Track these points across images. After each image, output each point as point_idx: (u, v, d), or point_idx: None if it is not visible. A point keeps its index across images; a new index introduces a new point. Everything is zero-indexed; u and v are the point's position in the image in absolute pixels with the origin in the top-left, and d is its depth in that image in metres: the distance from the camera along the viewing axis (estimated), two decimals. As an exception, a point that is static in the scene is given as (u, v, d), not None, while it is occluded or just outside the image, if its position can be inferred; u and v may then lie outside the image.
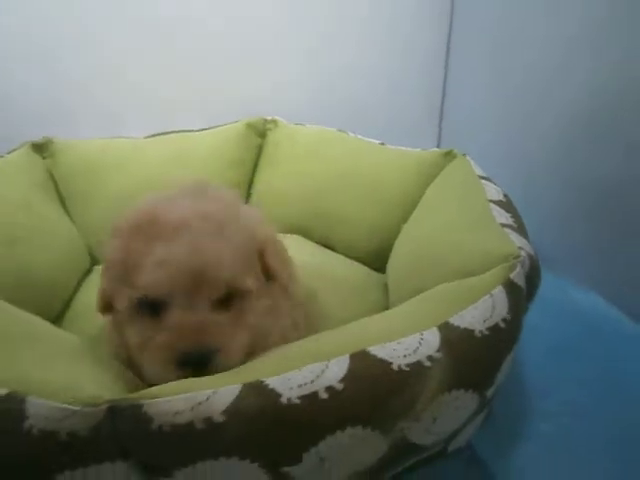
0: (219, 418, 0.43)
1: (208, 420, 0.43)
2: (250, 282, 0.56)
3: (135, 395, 0.43)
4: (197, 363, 0.52)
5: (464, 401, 0.53)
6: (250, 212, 0.64)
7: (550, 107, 1.22)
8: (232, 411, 0.43)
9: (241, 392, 0.45)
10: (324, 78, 1.49)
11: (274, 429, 0.44)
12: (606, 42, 1.05)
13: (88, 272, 1.02)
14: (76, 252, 0.98)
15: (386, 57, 1.52)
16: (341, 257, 1.10)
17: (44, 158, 1.03)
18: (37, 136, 1.05)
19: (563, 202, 1.23)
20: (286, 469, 0.46)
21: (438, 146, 1.60)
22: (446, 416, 0.53)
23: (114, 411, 0.42)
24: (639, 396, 0.84)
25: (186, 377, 0.49)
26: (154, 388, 0.45)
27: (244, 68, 1.41)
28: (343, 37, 1.47)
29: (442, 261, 0.73)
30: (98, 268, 1.03)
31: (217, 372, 0.50)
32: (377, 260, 1.06)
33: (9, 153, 0.97)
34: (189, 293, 0.53)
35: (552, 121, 1.21)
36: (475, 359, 0.53)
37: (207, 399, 0.44)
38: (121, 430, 0.42)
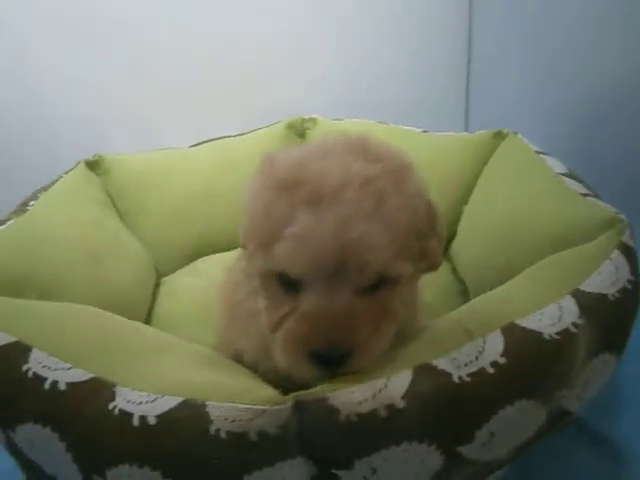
0: (400, 403, 0.43)
1: (390, 406, 0.43)
2: (405, 268, 0.46)
3: (317, 389, 0.43)
4: (330, 362, 0.45)
5: (608, 363, 0.54)
6: (418, 180, 0.51)
7: (576, 91, 1.22)
8: (411, 395, 0.44)
9: (415, 375, 0.45)
10: (349, 74, 1.49)
11: (450, 409, 0.45)
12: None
13: (156, 285, 1.01)
14: (146, 266, 0.98)
15: (409, 50, 1.53)
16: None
17: (98, 175, 1.02)
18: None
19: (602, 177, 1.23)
20: (460, 448, 0.46)
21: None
22: (595, 380, 0.53)
23: (301, 406, 0.42)
24: None
25: (315, 372, 0.45)
26: (330, 384, 0.45)
27: (274, 70, 1.41)
28: (365, 30, 1.47)
29: (535, 232, 0.73)
30: (165, 280, 1.03)
31: (351, 372, 0.45)
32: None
33: (66, 173, 0.96)
34: (330, 277, 0.44)
35: (578, 106, 1.21)
36: (613, 321, 0.54)
37: (385, 386, 0.44)
38: (308, 425, 0.42)
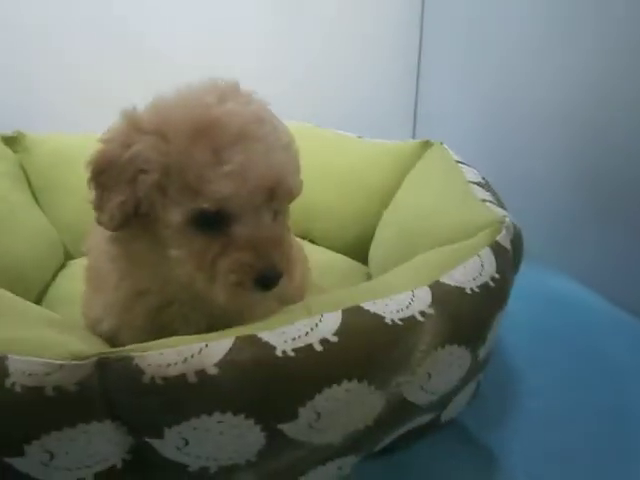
0: (212, 370, 0.42)
1: (201, 372, 0.41)
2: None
3: (125, 348, 0.42)
4: (272, 283, 0.48)
5: (458, 357, 0.53)
6: None
7: (521, 97, 1.24)
8: (226, 363, 0.42)
9: (234, 344, 0.43)
10: (298, 74, 1.50)
11: (269, 382, 0.43)
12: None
13: (62, 267, 0.98)
14: (50, 245, 0.95)
15: (358, 52, 1.54)
16: (322, 249, 1.09)
17: (15, 152, 1.00)
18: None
19: (540, 190, 1.25)
20: (282, 426, 0.44)
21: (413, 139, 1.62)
22: (441, 372, 0.53)
23: (103, 364, 0.41)
24: (621, 371, 0.85)
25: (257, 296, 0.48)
26: (143, 344, 0.43)
27: (216, 64, 1.40)
28: (315, 32, 1.48)
29: (428, 233, 0.73)
30: (73, 262, 1.01)
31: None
32: (358, 251, 1.06)
33: (-21, 144, 0.94)
34: (260, 205, 0.48)
35: (526, 110, 1.23)
36: (467, 315, 0.53)
37: (200, 351, 0.42)
38: (111, 384, 0.41)
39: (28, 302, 0.62)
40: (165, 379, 0.41)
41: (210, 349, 0.43)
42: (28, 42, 1.24)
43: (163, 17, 1.35)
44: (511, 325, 0.86)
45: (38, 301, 0.85)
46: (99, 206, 0.50)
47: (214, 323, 0.51)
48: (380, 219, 1.02)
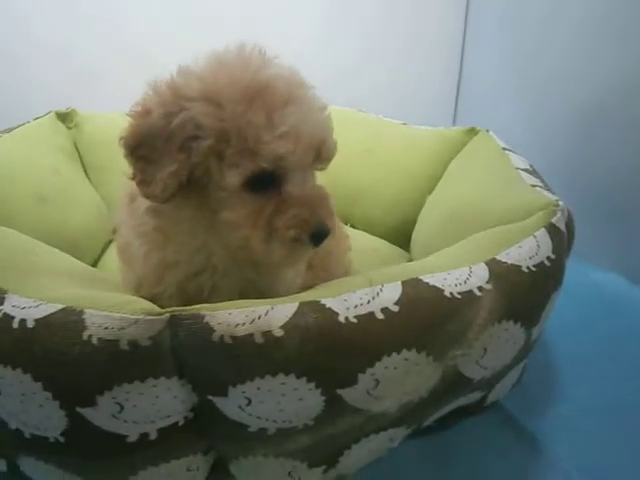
0: (278, 332, 0.43)
1: (267, 334, 0.43)
2: None
3: (196, 307, 0.43)
4: (322, 239, 0.50)
5: (512, 334, 0.53)
6: None
7: (564, 85, 1.23)
8: (291, 325, 0.43)
9: (299, 308, 0.44)
10: (341, 60, 1.50)
11: (332, 347, 0.44)
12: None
13: (109, 242, 1.01)
14: (100, 219, 0.98)
15: (401, 39, 1.54)
16: (363, 233, 1.10)
17: (69, 128, 1.02)
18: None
19: (581, 180, 1.23)
20: (341, 391, 0.45)
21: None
22: (496, 348, 0.53)
23: (175, 321, 0.42)
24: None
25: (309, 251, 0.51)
26: (214, 304, 0.44)
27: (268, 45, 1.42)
28: (359, 20, 1.49)
29: (478, 218, 0.73)
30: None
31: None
32: (400, 236, 1.06)
33: (35, 119, 0.97)
34: (308, 164, 0.51)
35: (567, 98, 1.22)
36: (523, 293, 0.54)
37: (266, 313, 0.44)
38: (181, 341, 0.42)
39: (90, 267, 0.63)
40: (234, 338, 0.42)
41: (276, 312, 0.44)
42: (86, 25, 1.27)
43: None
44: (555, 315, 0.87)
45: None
46: (144, 180, 0.50)
47: (245, 293, 0.52)
48: (423, 205, 1.02)
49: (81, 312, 0.42)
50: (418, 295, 0.48)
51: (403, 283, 0.49)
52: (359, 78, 1.52)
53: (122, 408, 0.43)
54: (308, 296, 0.47)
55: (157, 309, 0.42)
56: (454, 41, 1.56)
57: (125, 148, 0.50)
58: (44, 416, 0.43)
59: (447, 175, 1.00)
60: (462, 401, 0.59)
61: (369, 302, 0.46)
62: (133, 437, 0.45)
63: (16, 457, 0.49)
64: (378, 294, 0.47)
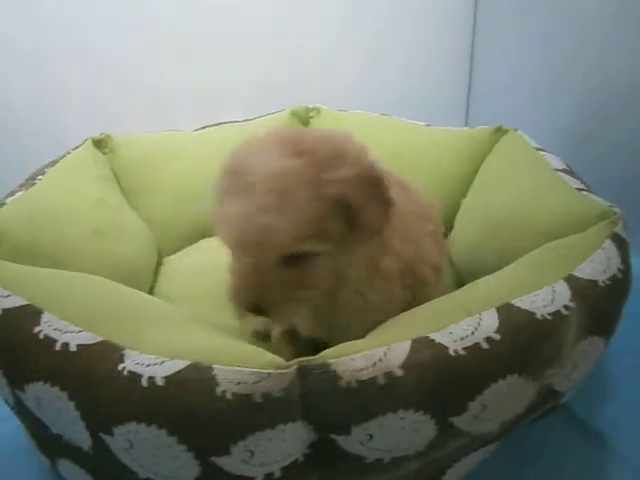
0: (398, 372, 0.45)
1: (389, 374, 0.45)
2: (316, 245, 0.54)
3: (320, 355, 0.45)
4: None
5: (597, 347, 0.56)
6: (354, 162, 0.56)
7: (577, 83, 1.24)
8: (409, 364, 0.46)
9: (412, 347, 0.47)
10: (350, 66, 1.52)
11: (445, 380, 0.47)
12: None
13: (158, 265, 1.02)
14: (148, 244, 0.99)
15: (410, 38, 1.55)
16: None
17: (104, 154, 1.03)
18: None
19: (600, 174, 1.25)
20: (452, 419, 0.48)
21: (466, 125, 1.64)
22: (583, 362, 0.56)
23: (304, 371, 0.44)
24: None
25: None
26: (331, 349, 0.47)
27: (280, 58, 1.43)
28: (364, 17, 1.50)
29: (531, 223, 0.75)
30: (167, 260, 1.05)
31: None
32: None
33: (73, 150, 0.97)
34: (242, 252, 0.55)
35: (580, 94, 1.24)
36: (602, 306, 0.57)
37: (385, 355, 0.46)
38: (311, 389, 0.44)
39: (174, 306, 0.65)
40: (359, 382, 0.44)
41: (393, 352, 0.46)
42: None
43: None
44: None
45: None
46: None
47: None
48: (458, 208, 1.04)
49: (210, 368, 0.45)
50: (514, 321, 0.51)
51: (498, 310, 0.51)
52: (368, 76, 1.54)
53: (253, 454, 0.45)
54: (414, 330, 0.49)
55: (284, 362, 0.44)
56: (464, 36, 1.57)
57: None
58: (178, 466, 0.46)
59: (481, 178, 1.02)
60: (550, 405, 0.62)
61: (473, 333, 0.49)
62: (260, 477, 0.47)
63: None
64: (479, 324, 0.50)
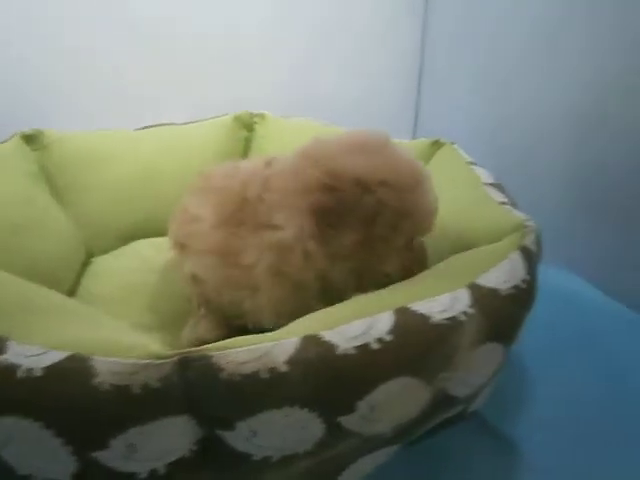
0: (283, 367, 0.45)
1: (273, 370, 0.45)
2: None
3: (204, 347, 0.45)
4: None
5: (494, 353, 0.57)
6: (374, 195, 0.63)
7: (524, 98, 1.28)
8: (294, 361, 0.45)
9: (301, 343, 0.47)
10: (302, 74, 1.54)
11: (333, 378, 0.47)
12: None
13: (84, 265, 1.00)
14: (74, 244, 0.97)
15: (360, 53, 1.58)
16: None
17: (34, 150, 1.01)
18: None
19: (540, 190, 1.29)
20: (340, 418, 0.48)
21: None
22: (480, 367, 0.56)
23: (185, 362, 0.44)
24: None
25: None
26: (218, 343, 0.46)
27: (228, 67, 1.43)
28: (314, 29, 1.52)
29: (451, 234, 0.76)
30: (95, 260, 1.03)
31: None
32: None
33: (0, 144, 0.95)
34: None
35: (528, 111, 1.27)
36: (502, 314, 0.57)
37: (271, 350, 0.46)
38: (191, 381, 0.44)
39: (75, 301, 0.64)
40: (242, 375, 0.44)
41: (279, 347, 0.46)
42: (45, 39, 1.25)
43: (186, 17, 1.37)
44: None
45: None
46: (325, 241, 0.63)
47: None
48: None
49: (89, 359, 0.44)
50: (409, 324, 0.51)
51: (394, 312, 0.52)
52: (312, 88, 1.56)
53: (134, 449, 0.44)
54: (305, 329, 0.49)
55: (165, 352, 0.44)
56: (412, 49, 1.60)
57: (315, 214, 0.61)
58: (55, 461, 0.44)
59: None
60: (449, 414, 0.62)
61: (364, 333, 0.49)
62: (144, 474, 0.46)
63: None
64: (373, 325, 0.50)
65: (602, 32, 1.06)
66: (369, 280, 0.65)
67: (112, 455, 0.44)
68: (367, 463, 0.56)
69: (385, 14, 1.54)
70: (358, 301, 0.56)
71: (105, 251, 1.06)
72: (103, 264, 1.01)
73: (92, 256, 1.04)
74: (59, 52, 1.27)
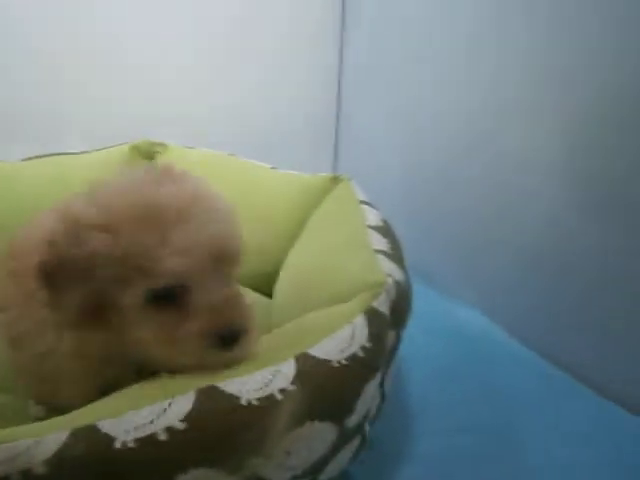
0: (39, 469, 0.40)
1: (27, 472, 0.39)
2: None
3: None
4: (232, 341, 0.52)
5: (320, 432, 0.52)
6: None
7: (442, 127, 1.26)
8: (56, 461, 0.40)
9: (68, 439, 0.42)
10: (218, 103, 1.49)
11: (108, 474, 0.42)
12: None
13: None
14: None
15: (279, 83, 1.55)
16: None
17: None
18: None
19: (453, 223, 1.27)
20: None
21: (334, 170, 1.63)
22: (302, 449, 0.52)
23: None
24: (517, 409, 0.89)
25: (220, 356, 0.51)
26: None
27: (132, 93, 1.38)
28: (236, 62, 1.48)
29: (318, 288, 0.73)
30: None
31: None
32: (266, 285, 1.05)
33: None
34: (210, 273, 0.52)
35: (446, 141, 1.26)
36: (331, 389, 0.53)
37: (27, 449, 0.40)
38: None
39: None
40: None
41: (40, 445, 0.41)
42: None
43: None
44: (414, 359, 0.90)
45: None
46: (55, 306, 0.53)
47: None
48: (286, 259, 1.01)
49: None
50: (210, 407, 0.46)
51: (197, 393, 0.47)
52: (232, 120, 1.52)
53: None
54: (86, 417, 0.44)
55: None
56: (330, 82, 1.58)
57: (40, 275, 0.51)
58: None
59: (308, 229, 0.99)
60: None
61: (152, 421, 0.44)
62: None
63: None
64: (165, 410, 0.45)
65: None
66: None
67: None
68: None
69: (302, 39, 1.51)
70: (157, 381, 0.51)
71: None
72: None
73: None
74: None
